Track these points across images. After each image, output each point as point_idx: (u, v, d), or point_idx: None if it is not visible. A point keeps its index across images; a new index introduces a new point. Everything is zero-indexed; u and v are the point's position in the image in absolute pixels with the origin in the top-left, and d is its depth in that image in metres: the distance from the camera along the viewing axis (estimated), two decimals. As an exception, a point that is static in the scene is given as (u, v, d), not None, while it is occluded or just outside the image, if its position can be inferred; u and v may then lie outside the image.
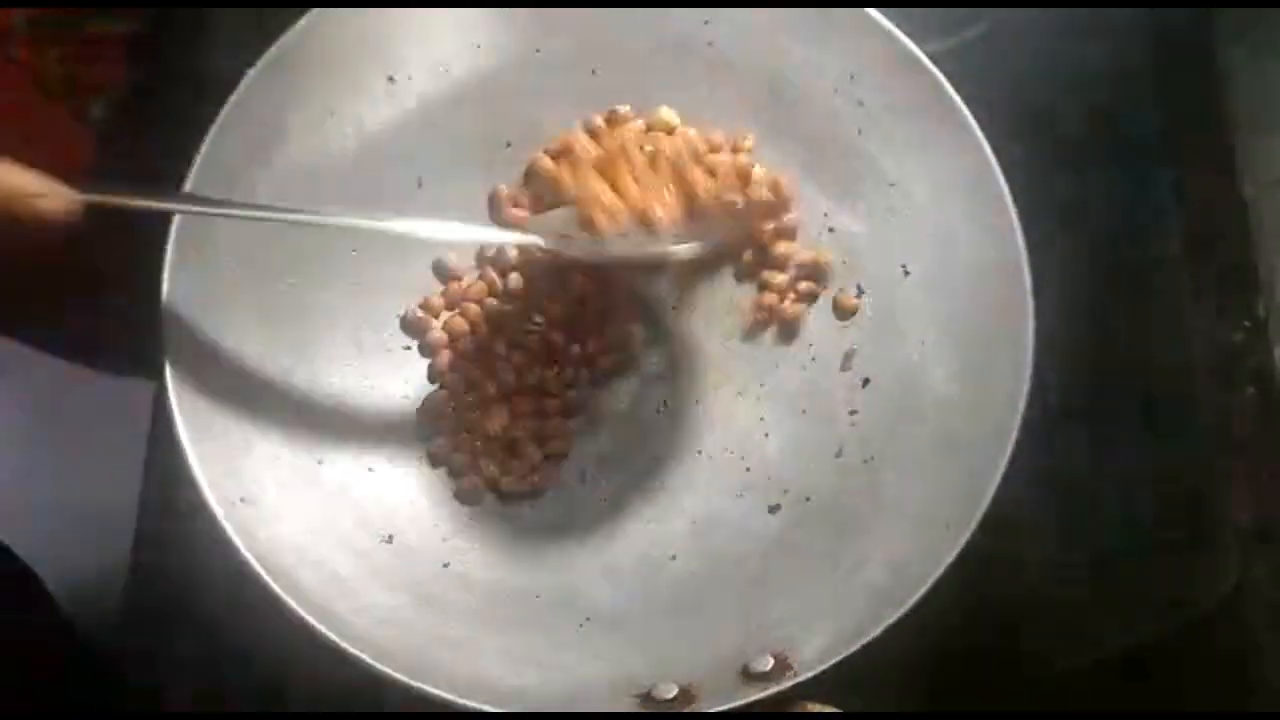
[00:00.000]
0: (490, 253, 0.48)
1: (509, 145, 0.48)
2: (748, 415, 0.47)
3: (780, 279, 0.48)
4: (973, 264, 0.44)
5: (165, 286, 0.40)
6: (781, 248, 0.48)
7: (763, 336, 0.48)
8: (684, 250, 0.44)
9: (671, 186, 0.44)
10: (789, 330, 0.47)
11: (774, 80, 0.47)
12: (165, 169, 0.42)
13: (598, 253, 0.43)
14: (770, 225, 0.48)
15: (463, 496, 0.45)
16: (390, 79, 0.45)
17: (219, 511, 0.38)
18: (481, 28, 0.46)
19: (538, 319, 0.47)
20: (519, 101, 0.47)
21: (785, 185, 0.47)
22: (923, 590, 0.38)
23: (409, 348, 0.47)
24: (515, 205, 0.48)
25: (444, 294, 0.47)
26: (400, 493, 0.45)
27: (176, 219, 0.40)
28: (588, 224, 0.43)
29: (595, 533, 0.46)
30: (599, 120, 0.47)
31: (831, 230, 0.48)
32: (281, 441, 0.43)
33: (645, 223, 0.43)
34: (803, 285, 0.48)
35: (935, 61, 0.44)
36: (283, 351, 0.44)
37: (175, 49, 0.54)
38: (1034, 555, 0.48)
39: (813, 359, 0.48)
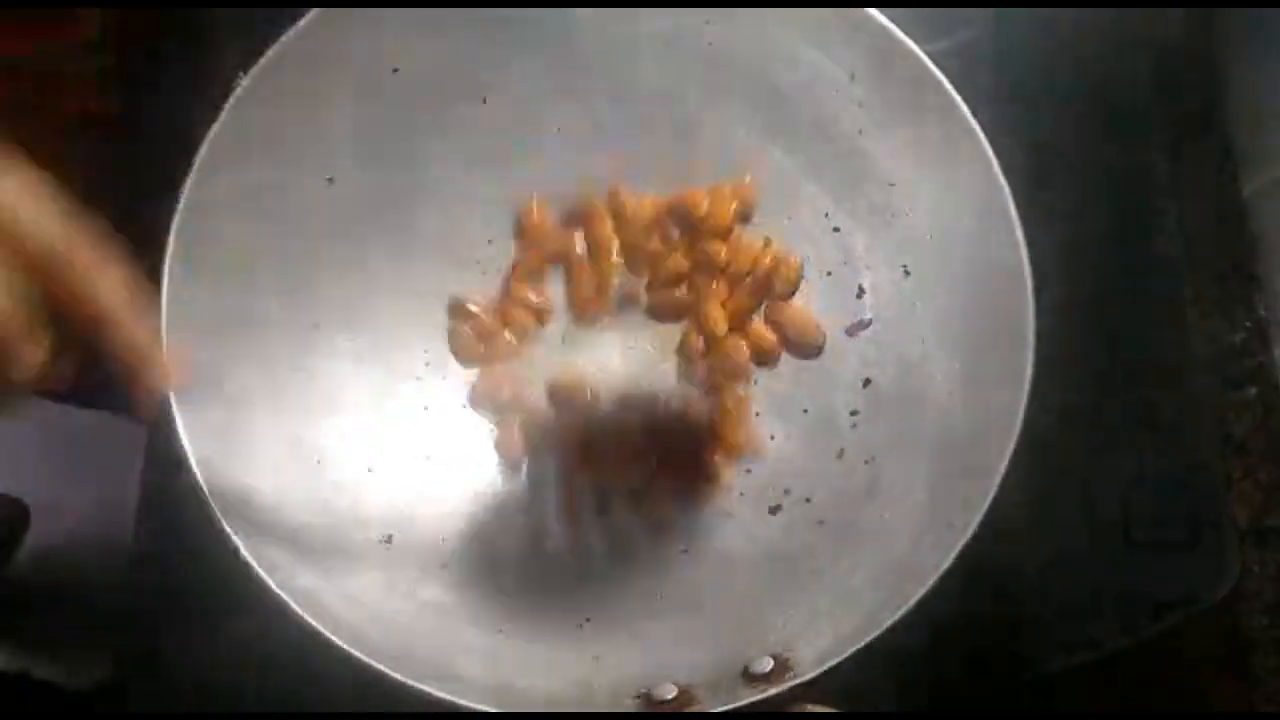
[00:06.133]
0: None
1: (510, 137, 0.48)
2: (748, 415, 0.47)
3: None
4: (973, 264, 0.44)
5: (165, 286, 0.40)
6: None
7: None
8: None
9: None
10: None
11: (774, 80, 0.47)
12: (165, 169, 0.42)
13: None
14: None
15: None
16: (392, 74, 0.45)
17: (219, 511, 0.38)
18: (482, 26, 0.46)
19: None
20: (519, 97, 0.47)
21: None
22: (923, 590, 0.38)
23: (410, 347, 0.47)
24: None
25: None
26: (400, 493, 0.45)
27: (177, 217, 0.40)
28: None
29: (594, 533, 0.46)
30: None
31: (835, 230, 0.48)
32: (281, 441, 0.43)
33: None
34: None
35: (935, 61, 0.44)
36: (282, 351, 0.44)
37: (174, 49, 0.54)
38: (1034, 555, 0.48)
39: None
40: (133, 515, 0.48)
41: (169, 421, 0.39)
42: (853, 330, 0.47)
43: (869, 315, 0.47)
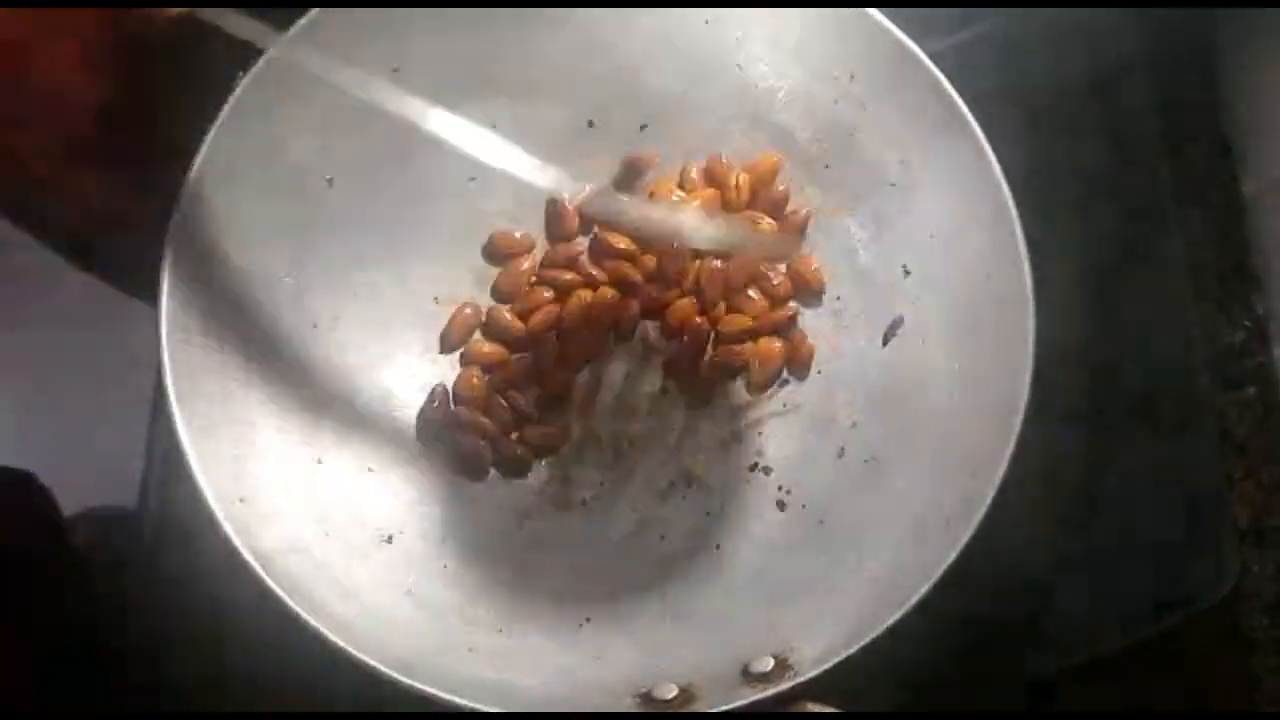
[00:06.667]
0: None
1: (509, 137, 0.48)
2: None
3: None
4: (973, 264, 0.44)
5: (164, 285, 0.40)
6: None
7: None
8: (702, 238, 0.42)
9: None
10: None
11: (774, 80, 0.47)
12: (164, 169, 0.42)
13: (619, 214, 0.43)
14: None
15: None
16: (392, 74, 0.45)
17: (219, 511, 0.38)
18: (482, 26, 0.46)
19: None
20: (519, 98, 0.47)
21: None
22: (923, 590, 0.38)
23: (409, 347, 0.47)
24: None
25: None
26: (400, 493, 0.45)
27: (176, 217, 0.40)
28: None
29: (594, 533, 0.46)
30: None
31: (835, 230, 0.48)
32: (281, 441, 0.43)
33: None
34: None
35: (935, 61, 0.44)
36: (282, 350, 0.44)
37: (174, 49, 0.54)
38: (1034, 555, 0.48)
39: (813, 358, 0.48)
40: (133, 515, 0.48)
41: (169, 421, 0.39)
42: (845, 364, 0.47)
43: (854, 346, 0.47)
